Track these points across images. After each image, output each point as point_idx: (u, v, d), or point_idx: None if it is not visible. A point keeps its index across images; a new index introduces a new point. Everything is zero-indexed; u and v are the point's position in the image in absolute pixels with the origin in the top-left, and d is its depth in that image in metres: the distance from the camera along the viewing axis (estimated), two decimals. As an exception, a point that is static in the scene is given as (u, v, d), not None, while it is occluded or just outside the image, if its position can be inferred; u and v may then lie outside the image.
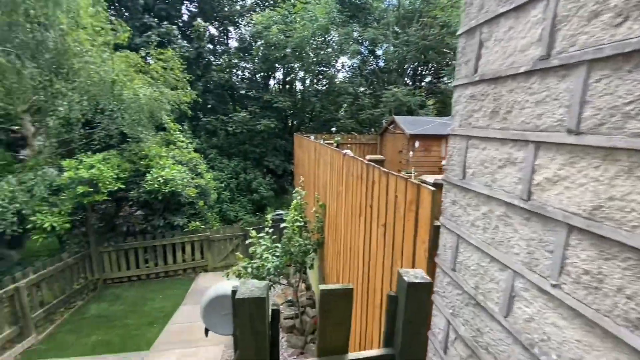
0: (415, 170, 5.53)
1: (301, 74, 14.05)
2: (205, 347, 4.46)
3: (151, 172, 6.57)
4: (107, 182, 5.90)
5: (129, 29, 7.00)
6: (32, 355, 4.69)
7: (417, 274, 1.02)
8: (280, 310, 4.98)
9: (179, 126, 9.15)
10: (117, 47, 6.87)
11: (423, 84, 15.37)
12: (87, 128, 7.48)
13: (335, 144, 5.28)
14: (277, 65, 13.13)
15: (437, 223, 1.47)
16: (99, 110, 7.04)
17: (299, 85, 14.81)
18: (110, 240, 7.01)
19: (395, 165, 8.16)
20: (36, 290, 5.37)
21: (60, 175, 5.70)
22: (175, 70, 8.24)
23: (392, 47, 12.66)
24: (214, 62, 13.09)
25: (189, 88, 8.59)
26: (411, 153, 7.90)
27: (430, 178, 1.71)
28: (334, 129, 13.67)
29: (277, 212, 8.33)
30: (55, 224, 5.40)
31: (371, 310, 2.42)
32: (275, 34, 11.09)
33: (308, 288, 5.73)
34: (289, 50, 11.63)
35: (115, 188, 6.04)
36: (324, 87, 14.52)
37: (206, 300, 1.46)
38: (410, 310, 1.02)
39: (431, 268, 1.44)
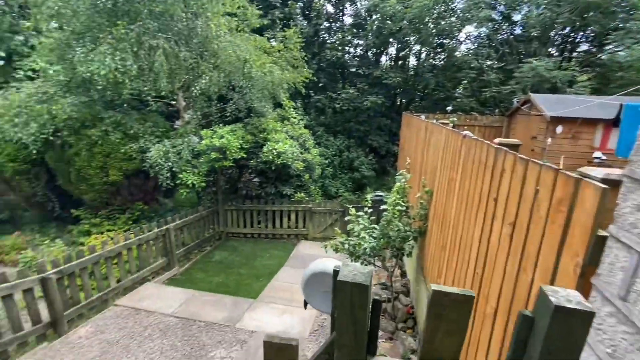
0: (551, 160, 4.49)
1: (417, 47, 13.02)
2: (302, 307, 4.83)
3: (267, 144, 7.28)
4: (233, 151, 6.82)
5: (258, 11, 7.69)
6: (174, 282, 5.98)
7: (570, 297, 0.77)
8: (373, 292, 4.94)
9: (293, 103, 9.78)
10: (247, 30, 7.68)
11: (574, 54, 12.23)
12: (222, 103, 8.75)
13: (450, 125, 4.71)
14: (390, 39, 12.46)
15: (601, 233, 1.09)
16: (231, 88, 8.12)
17: (412, 61, 13.81)
18: (233, 201, 8.21)
19: (524, 154, 6.85)
20: (180, 232, 6.76)
21: (200, 143, 6.86)
22: (294, 50, 8.73)
23: (536, 10, 10.36)
24: (328, 41, 13.30)
25: (306, 67, 9.02)
26: (549, 140, 6.48)
27: (595, 171, 1.28)
28: (449, 108, 12.35)
29: (377, 193, 8.18)
30: (195, 182, 6.58)
31: (479, 319, 2.11)
32: (393, 5, 10.43)
33: (403, 275, 5.52)
34: (405, 22, 10.84)
35: (239, 156, 6.93)
36: (442, 62, 13.14)
37: (308, 274, 1.48)
38: (553, 341, 0.78)
39: (582, 289, 1.10)
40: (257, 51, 7.81)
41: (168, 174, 6.46)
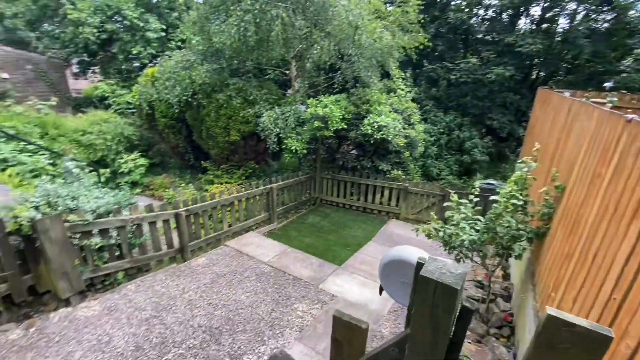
0: None
1: (572, 6, 10.30)
2: (383, 286, 4.79)
3: (368, 117, 7.10)
4: (335, 121, 6.89)
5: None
6: (272, 235, 6.66)
7: None
8: (465, 288, 4.49)
9: (402, 73, 9.16)
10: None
11: None
12: (330, 73, 8.84)
13: (608, 106, 3.61)
14: (536, -4, 10.16)
15: None
16: (340, 57, 8.08)
17: (562, 23, 11.06)
18: (330, 170, 8.48)
19: None
20: (281, 193, 7.40)
21: (305, 111, 7.15)
22: (411, 12, 8.00)
23: None
24: (452, 2, 11.72)
25: (421, 32, 8.22)
26: None
27: None
28: (607, 85, 9.61)
29: (488, 181, 7.17)
30: (297, 148, 6.99)
31: (607, 358, 1.65)
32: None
33: (506, 277, 4.82)
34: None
35: (340, 127, 6.98)
36: (606, 24, 10.13)
37: (387, 260, 1.37)
38: None
39: None
40: (370, 15, 7.44)
41: (275, 139, 7.03)
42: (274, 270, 5.02)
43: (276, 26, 6.36)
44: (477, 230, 3.61)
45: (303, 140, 7.13)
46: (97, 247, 4.11)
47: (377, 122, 6.82)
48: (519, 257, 3.51)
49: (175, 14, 12.31)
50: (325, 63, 7.69)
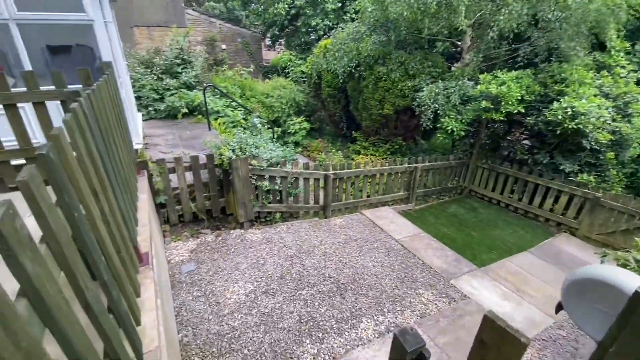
0: None
1: None
2: (531, 302, 3.99)
3: (561, 100, 5.61)
4: (510, 103, 5.81)
5: None
6: (407, 216, 6.50)
7: None
8: None
9: (627, 45, 6.69)
10: None
11: None
12: (515, 44, 7.36)
13: None
14: None
15: None
16: (532, 23, 6.56)
17: None
18: (488, 159, 7.37)
19: None
20: (425, 174, 7.03)
21: (474, 88, 6.30)
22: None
23: None
24: None
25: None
26: None
27: None
28: None
29: None
30: (454, 129, 6.35)
31: None
32: None
33: None
34: None
35: (515, 110, 5.85)
36: None
37: (582, 275, 1.07)
38: None
39: None
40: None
41: (431, 116, 6.58)
42: (403, 250, 4.96)
43: (460, -11, 5.67)
44: None
45: (463, 121, 6.40)
46: (265, 189, 5.08)
47: (572, 108, 5.33)
48: None
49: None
50: (511, 31, 6.40)
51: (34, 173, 0.90)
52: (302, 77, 12.46)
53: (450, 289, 4.16)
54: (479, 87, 6.08)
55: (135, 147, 4.94)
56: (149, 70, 8.91)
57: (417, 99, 6.94)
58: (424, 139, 9.81)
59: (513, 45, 7.32)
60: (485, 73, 6.46)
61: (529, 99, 5.99)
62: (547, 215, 6.42)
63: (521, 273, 4.70)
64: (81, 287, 1.07)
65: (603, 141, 5.55)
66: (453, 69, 8.32)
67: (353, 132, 9.69)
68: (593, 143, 5.59)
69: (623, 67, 6.52)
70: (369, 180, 6.33)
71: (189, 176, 4.84)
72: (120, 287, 1.65)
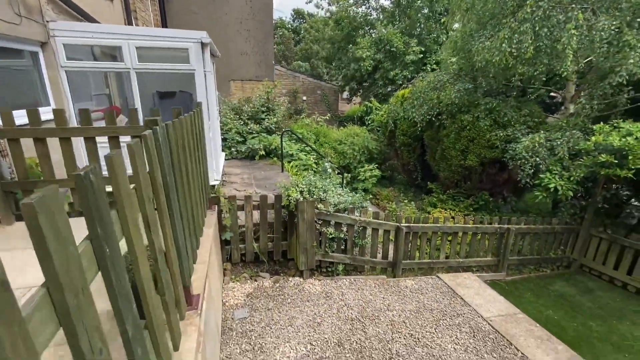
0: None
1: None
2: None
3: None
4: (639, 158, 4.63)
5: None
6: (497, 287, 5.34)
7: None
8: None
9: None
10: None
11: None
12: (635, 91, 6.13)
13: None
14: None
15: None
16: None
17: None
18: (607, 228, 5.87)
19: None
20: (520, 239, 5.86)
21: (587, 139, 5.26)
22: None
23: None
24: None
25: None
26: None
27: None
28: None
29: None
30: (559, 187, 5.27)
31: None
32: None
33: None
34: None
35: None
36: None
37: None
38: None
39: None
40: None
41: (531, 171, 5.62)
42: (494, 333, 3.92)
43: (567, 31, 5.03)
44: None
45: (572, 179, 5.29)
46: (330, 236, 4.72)
47: None
48: None
49: (434, 35, 12.82)
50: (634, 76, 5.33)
51: (49, 195, 0.71)
52: (377, 127, 12.45)
53: (567, 403, 3.02)
54: (594, 138, 5.03)
55: (213, 182, 5.17)
56: (238, 116, 9.85)
57: (510, 151, 6.09)
58: (515, 196, 8.51)
59: (633, 93, 6.08)
60: (602, 123, 5.39)
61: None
62: None
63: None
64: (82, 352, 0.81)
65: None
66: (553, 118, 7.27)
67: (429, 182, 8.96)
68: None
69: None
70: (449, 238, 5.51)
71: (256, 215, 4.79)
72: (152, 338, 1.40)
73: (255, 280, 4.55)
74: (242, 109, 10.13)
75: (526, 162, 5.63)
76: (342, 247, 4.94)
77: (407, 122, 8.89)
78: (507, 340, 3.81)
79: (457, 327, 3.96)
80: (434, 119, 7.97)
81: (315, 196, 4.67)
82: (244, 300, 4.08)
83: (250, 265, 4.89)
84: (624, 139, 4.74)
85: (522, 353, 3.62)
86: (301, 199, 4.46)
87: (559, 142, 5.46)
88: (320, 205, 4.62)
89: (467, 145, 7.39)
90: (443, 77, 7.72)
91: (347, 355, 3.33)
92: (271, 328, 3.62)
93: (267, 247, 4.83)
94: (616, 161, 4.77)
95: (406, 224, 5.11)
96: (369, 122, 12.71)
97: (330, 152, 10.08)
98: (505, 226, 5.57)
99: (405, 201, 8.80)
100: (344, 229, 4.82)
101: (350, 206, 4.92)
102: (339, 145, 10.42)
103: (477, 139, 7.15)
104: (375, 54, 13.29)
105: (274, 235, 4.83)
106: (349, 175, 9.84)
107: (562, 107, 7.08)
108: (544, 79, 7.43)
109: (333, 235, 4.72)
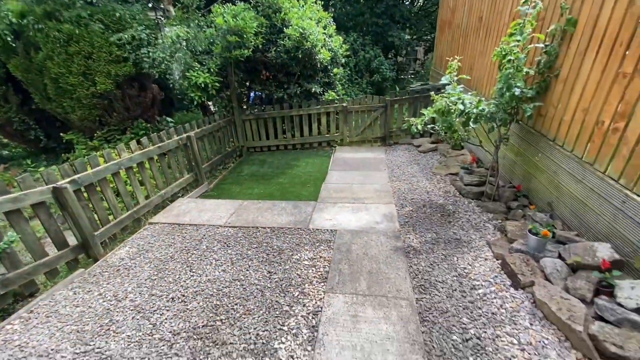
0: None
1: None
2: (376, 204, 4.09)
3: (290, 27, 5.77)
4: (251, 36, 5.36)
5: None
6: (209, 197, 5.10)
7: None
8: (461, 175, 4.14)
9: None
10: None
11: None
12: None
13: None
14: None
15: None
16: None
17: None
18: (250, 109, 6.98)
19: None
20: (202, 144, 5.68)
21: (210, 26, 5.33)
22: None
23: None
24: None
25: None
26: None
27: None
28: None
29: (422, 83, 7.03)
30: (207, 81, 5.27)
31: None
32: None
33: (478, 163, 4.73)
34: None
35: (258, 44, 5.49)
36: None
37: None
38: None
39: None
40: None
41: (180, 73, 5.09)
42: (240, 230, 3.71)
43: None
44: (494, 104, 3.14)
45: (212, 70, 5.41)
46: None
47: (303, 28, 5.59)
48: (530, 116, 3.20)
49: None
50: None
51: None
52: None
53: (316, 233, 3.50)
54: (217, 20, 5.15)
55: None
56: None
57: (146, 59, 5.14)
58: (169, 115, 8.08)
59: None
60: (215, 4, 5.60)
61: (262, 30, 5.80)
62: (318, 140, 7.02)
63: (343, 187, 4.78)
64: None
65: (327, 58, 6.39)
66: (157, 17, 6.86)
67: (62, 134, 6.40)
68: (322, 62, 6.31)
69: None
70: (137, 173, 4.26)
71: None
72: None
73: None
74: None
75: (169, 64, 5.00)
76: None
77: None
78: (253, 227, 3.74)
79: (209, 251, 3.33)
80: (11, 41, 5.12)
81: None
82: None
83: None
84: (236, 20, 5.17)
85: (268, 227, 3.70)
86: None
87: (191, 35, 5.17)
88: None
89: (86, 64, 5.54)
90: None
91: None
92: None
93: None
94: (240, 40, 5.23)
95: (69, 179, 3.23)
96: None
97: None
98: (184, 135, 5.05)
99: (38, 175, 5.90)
100: None
101: None
102: None
103: (96, 52, 5.47)
104: None
105: None
106: None
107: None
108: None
109: None
